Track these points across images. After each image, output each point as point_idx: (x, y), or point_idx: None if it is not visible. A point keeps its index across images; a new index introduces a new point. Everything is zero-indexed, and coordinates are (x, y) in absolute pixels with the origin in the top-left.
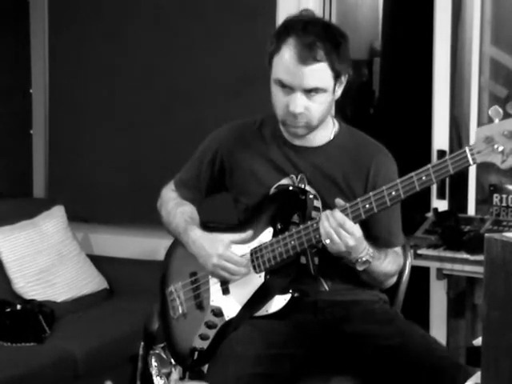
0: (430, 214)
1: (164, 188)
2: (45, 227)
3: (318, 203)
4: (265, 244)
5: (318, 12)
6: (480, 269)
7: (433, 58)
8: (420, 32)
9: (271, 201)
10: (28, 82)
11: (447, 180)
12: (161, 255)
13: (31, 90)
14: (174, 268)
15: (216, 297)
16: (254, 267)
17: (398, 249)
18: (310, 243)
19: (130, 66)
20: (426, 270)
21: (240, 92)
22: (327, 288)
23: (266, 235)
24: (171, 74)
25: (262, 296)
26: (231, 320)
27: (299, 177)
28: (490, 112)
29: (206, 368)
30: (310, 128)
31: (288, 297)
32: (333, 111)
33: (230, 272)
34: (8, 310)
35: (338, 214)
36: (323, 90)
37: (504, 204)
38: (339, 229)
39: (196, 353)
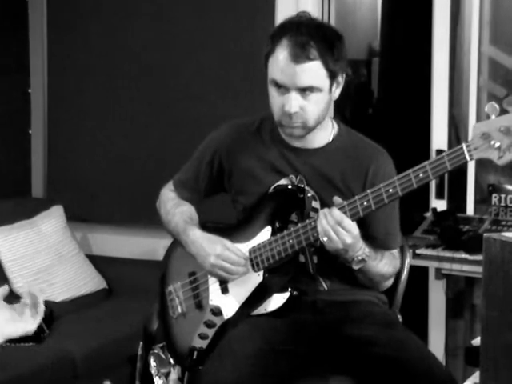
0: (428, 214)
1: (163, 188)
2: (43, 227)
3: (316, 204)
4: (263, 243)
5: (317, 12)
6: (479, 268)
7: (431, 58)
8: (419, 32)
9: (269, 200)
10: (26, 82)
11: (446, 180)
12: (160, 255)
13: (30, 90)
14: (173, 268)
15: (215, 296)
16: (253, 266)
17: (395, 251)
18: (308, 242)
19: (128, 65)
20: (425, 269)
21: (239, 92)
22: (326, 287)
23: (265, 234)
24: (170, 74)
25: (260, 295)
26: (230, 319)
27: (298, 178)
28: (486, 108)
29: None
30: (307, 128)
31: (287, 295)
32: (332, 113)
33: (228, 271)
34: None
35: (335, 211)
36: (318, 90)
37: (503, 204)
38: (337, 226)
39: (195, 352)
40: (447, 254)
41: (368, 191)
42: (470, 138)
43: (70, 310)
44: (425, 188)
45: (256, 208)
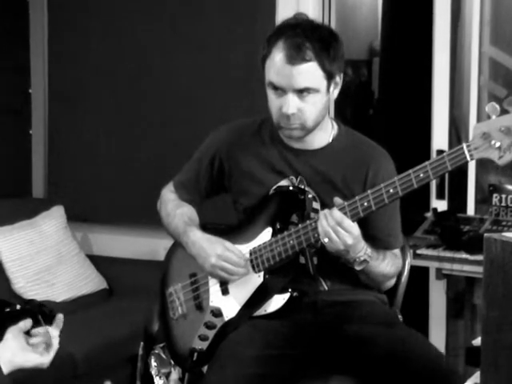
0: (429, 214)
1: (163, 189)
2: (44, 227)
3: (317, 205)
4: (264, 244)
5: (317, 12)
6: (479, 269)
7: (432, 58)
8: (419, 32)
9: (270, 201)
10: (27, 82)
11: (446, 180)
12: (160, 255)
13: (30, 90)
14: (174, 269)
15: (215, 297)
16: (253, 267)
17: (397, 251)
18: (308, 242)
19: (129, 66)
20: (426, 269)
21: (240, 93)
22: (326, 288)
23: (265, 235)
24: (171, 74)
25: (261, 296)
26: (230, 320)
27: (299, 179)
28: (487, 108)
29: (205, 369)
30: (305, 130)
31: (287, 296)
32: (332, 113)
33: (229, 272)
34: (7, 309)
35: (336, 212)
36: (315, 91)
37: (503, 204)
38: (337, 227)
39: (195, 353)
40: (448, 254)
41: (368, 191)
42: (470, 138)
43: (70, 310)
44: (425, 188)
45: (257, 209)
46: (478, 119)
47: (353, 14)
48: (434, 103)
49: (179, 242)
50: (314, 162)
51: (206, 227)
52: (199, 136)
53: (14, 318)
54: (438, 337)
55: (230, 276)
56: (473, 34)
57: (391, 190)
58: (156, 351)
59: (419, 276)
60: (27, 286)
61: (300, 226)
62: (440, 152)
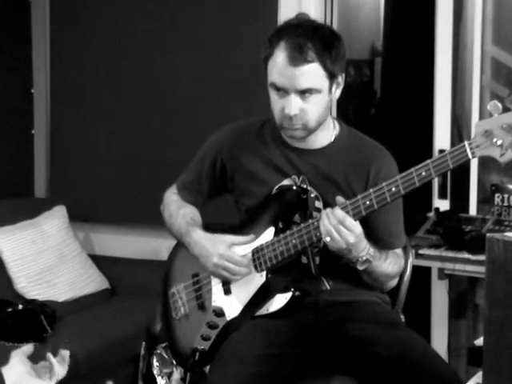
0: (431, 214)
1: (167, 191)
2: (46, 227)
3: (319, 204)
4: (266, 243)
5: (320, 12)
6: (481, 269)
7: (434, 57)
8: (421, 32)
9: (273, 201)
10: (29, 82)
11: (448, 180)
12: (162, 255)
13: (33, 90)
14: (177, 269)
15: (218, 297)
16: (256, 266)
17: (399, 250)
18: (310, 241)
19: (131, 66)
20: (428, 269)
21: (241, 93)
22: (328, 287)
23: (268, 235)
24: (173, 74)
25: (263, 295)
26: (233, 320)
27: (301, 178)
28: (488, 106)
29: (207, 369)
30: (308, 130)
31: (289, 295)
32: (334, 113)
33: (231, 272)
34: (9, 309)
35: (338, 211)
36: (317, 91)
37: (505, 204)
38: (339, 226)
39: (198, 353)
40: (450, 254)
41: (370, 190)
42: (472, 136)
43: (72, 310)
44: (427, 188)
45: (259, 209)
46: (481, 119)
47: (355, 13)
48: (436, 103)
49: (182, 243)
50: (316, 162)
51: (208, 227)
52: (201, 136)
53: (16, 318)
54: (440, 337)
55: (233, 276)
56: (475, 34)
57: (393, 189)
58: (158, 351)
59: (421, 276)
60: (29, 285)
61: (302, 225)
62: (442, 152)
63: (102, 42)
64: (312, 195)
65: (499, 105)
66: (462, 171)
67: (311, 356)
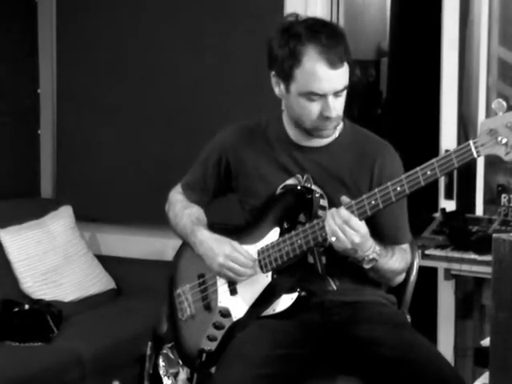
0: (437, 215)
1: (171, 191)
2: (52, 227)
3: (324, 202)
4: (271, 244)
5: (326, 13)
6: (488, 269)
7: (440, 58)
8: (428, 32)
9: (277, 201)
10: (36, 83)
11: (455, 180)
12: (168, 255)
13: (39, 91)
14: (182, 270)
15: (224, 298)
16: (261, 267)
17: (406, 246)
18: (316, 242)
19: (138, 66)
20: (434, 270)
21: (246, 93)
22: (335, 287)
23: (273, 235)
24: (179, 75)
25: (269, 295)
26: (239, 320)
27: (305, 177)
28: (493, 105)
29: (214, 369)
30: (337, 126)
31: (295, 296)
32: None
33: (237, 272)
34: (16, 309)
35: (343, 211)
36: (346, 88)
37: None
38: (344, 226)
39: (204, 354)
40: (456, 254)
41: (376, 190)
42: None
43: (78, 310)
44: (434, 188)
45: (264, 209)
46: None
47: (361, 14)
48: (443, 103)
49: (187, 243)
50: (321, 159)
51: (213, 227)
52: (206, 136)
53: (22, 318)
54: (446, 337)
55: (238, 276)
56: (481, 34)
57: (398, 188)
58: (164, 351)
59: (428, 276)
60: (35, 285)
61: (307, 225)
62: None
63: (108, 42)
64: (317, 195)
65: (504, 103)
66: (468, 172)
67: (317, 356)
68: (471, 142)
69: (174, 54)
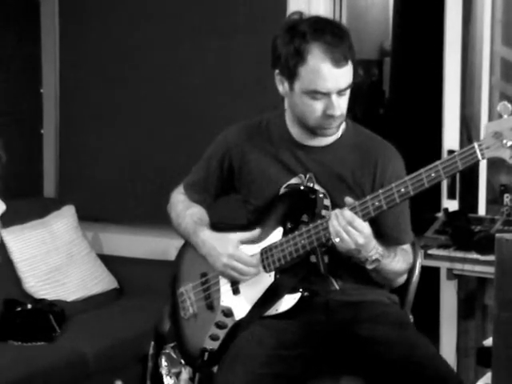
0: (440, 214)
1: (173, 191)
2: (55, 227)
3: (327, 202)
4: (275, 243)
5: (329, 12)
6: (490, 269)
7: (443, 57)
8: (430, 32)
9: (281, 201)
10: (39, 82)
11: (457, 180)
12: (171, 255)
13: (42, 90)
14: (185, 269)
15: (226, 297)
16: (264, 267)
17: (407, 246)
18: (319, 242)
19: (141, 65)
20: (437, 270)
21: (248, 92)
22: (337, 287)
23: (276, 235)
24: (182, 75)
25: (272, 295)
26: (241, 320)
27: (308, 176)
28: (498, 108)
29: (216, 369)
30: (341, 124)
31: (298, 296)
32: None
33: (240, 272)
34: (18, 309)
35: (347, 212)
36: (350, 86)
37: None
38: (348, 227)
39: (206, 353)
40: (459, 254)
41: (380, 191)
42: (481, 137)
43: (81, 310)
44: (436, 188)
45: (267, 209)
46: (490, 119)
47: (364, 14)
48: (445, 103)
49: (190, 243)
50: (323, 158)
51: (216, 227)
52: (208, 137)
53: (25, 318)
54: (449, 337)
55: (241, 276)
56: (484, 34)
57: (402, 190)
58: (166, 351)
59: (430, 276)
60: (38, 285)
61: (311, 225)
62: (451, 152)
63: (111, 42)
64: (320, 195)
65: (509, 106)
66: (470, 172)
67: (320, 356)
68: (476, 144)
69: (178, 55)
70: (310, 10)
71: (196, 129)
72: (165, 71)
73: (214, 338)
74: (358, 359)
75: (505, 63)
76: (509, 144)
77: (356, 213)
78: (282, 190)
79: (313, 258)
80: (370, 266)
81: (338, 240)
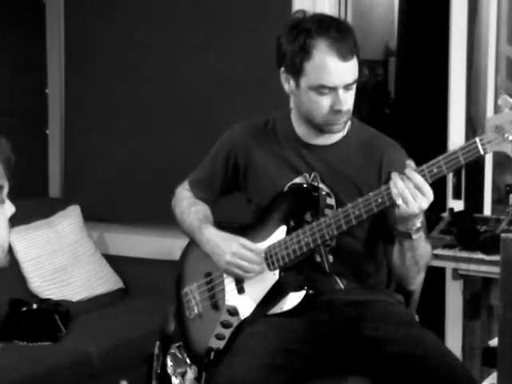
0: (445, 214)
1: (178, 187)
2: (60, 227)
3: (331, 201)
4: (279, 242)
5: (334, 12)
6: (496, 269)
7: (449, 57)
8: (436, 31)
9: (284, 199)
10: (44, 82)
11: (463, 180)
12: (176, 255)
13: (47, 90)
14: (189, 269)
15: (231, 296)
16: (268, 265)
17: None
18: (323, 239)
19: (145, 65)
20: (442, 270)
21: (253, 91)
22: (342, 286)
23: (280, 233)
24: (186, 73)
25: (276, 294)
26: (247, 319)
27: (312, 175)
28: (499, 101)
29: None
30: (347, 121)
31: (302, 294)
32: None
33: (244, 269)
34: (24, 309)
35: (417, 176)
36: (356, 81)
37: None
38: (416, 191)
39: (212, 353)
40: (464, 254)
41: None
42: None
43: (86, 310)
44: (442, 188)
45: (271, 207)
46: None
47: (369, 13)
48: (451, 103)
49: (193, 240)
50: (328, 157)
51: (220, 225)
52: (213, 136)
53: (30, 318)
54: (454, 337)
55: (246, 273)
56: (489, 34)
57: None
58: (172, 351)
59: (435, 276)
60: (43, 285)
61: (314, 223)
62: None
63: (117, 42)
64: (323, 193)
65: (510, 100)
66: (476, 171)
67: (324, 355)
68: (477, 138)
69: (182, 55)
70: (315, 9)
71: (200, 129)
72: (170, 72)
73: (219, 337)
74: (362, 358)
75: (510, 63)
76: (510, 138)
77: (424, 176)
78: (286, 189)
79: (317, 258)
80: (415, 235)
81: (401, 202)
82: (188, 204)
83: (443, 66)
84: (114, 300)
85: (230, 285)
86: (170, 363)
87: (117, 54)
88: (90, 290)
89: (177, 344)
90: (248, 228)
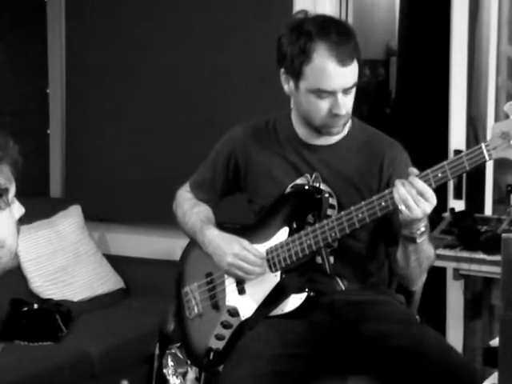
0: (446, 214)
1: (179, 190)
2: (61, 227)
3: (333, 201)
4: (280, 243)
5: (335, 12)
6: (497, 269)
7: (449, 57)
8: (437, 31)
9: (286, 200)
10: (45, 82)
11: (464, 180)
12: (177, 255)
13: (48, 90)
14: (190, 269)
15: (232, 297)
16: (270, 266)
17: None
18: (325, 242)
19: (146, 65)
20: (443, 270)
21: (255, 91)
22: (343, 287)
23: (282, 235)
24: (187, 73)
25: (277, 295)
26: (247, 320)
27: (314, 175)
28: (505, 108)
29: (221, 368)
30: (346, 123)
31: (304, 296)
32: None
33: (245, 271)
34: (25, 309)
35: (419, 182)
36: (356, 85)
37: None
38: (418, 196)
39: (212, 353)
40: (465, 254)
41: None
42: (488, 138)
43: (87, 310)
44: (443, 188)
45: (273, 208)
46: (496, 119)
47: (370, 13)
48: (452, 103)
49: (195, 241)
50: (329, 157)
51: (222, 226)
52: (214, 136)
53: (31, 317)
54: (455, 337)
55: (247, 275)
56: (491, 34)
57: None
58: (173, 351)
59: (436, 276)
60: (44, 285)
61: (317, 225)
62: (457, 152)
63: (118, 41)
64: (326, 194)
65: None
66: (477, 171)
67: (326, 356)
68: (483, 144)
69: (183, 55)
70: (316, 9)
71: (202, 129)
72: (171, 71)
73: (219, 337)
74: (363, 358)
75: (511, 63)
76: None
77: (427, 180)
78: (288, 190)
79: (318, 259)
80: (419, 239)
81: (404, 208)
82: (190, 206)
83: (444, 66)
84: (114, 300)
85: (230, 285)
86: (170, 363)
87: (117, 54)
88: (90, 289)
89: (177, 344)
90: (250, 229)
